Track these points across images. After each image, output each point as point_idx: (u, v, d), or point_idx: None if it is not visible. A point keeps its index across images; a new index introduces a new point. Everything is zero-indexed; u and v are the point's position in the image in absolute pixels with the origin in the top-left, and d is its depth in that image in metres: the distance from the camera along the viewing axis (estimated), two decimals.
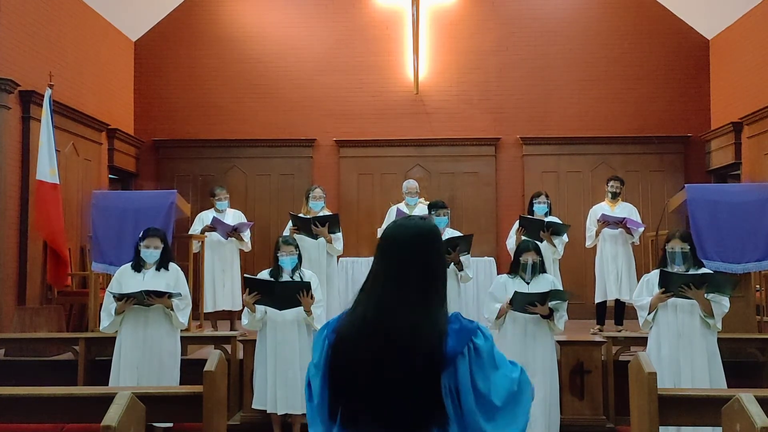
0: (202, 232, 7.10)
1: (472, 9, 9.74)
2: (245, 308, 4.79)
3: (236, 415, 5.43)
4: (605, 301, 7.21)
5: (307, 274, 4.96)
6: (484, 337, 1.76)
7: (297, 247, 4.99)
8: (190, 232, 7.16)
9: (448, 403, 1.69)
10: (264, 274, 4.93)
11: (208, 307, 7.14)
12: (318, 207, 6.69)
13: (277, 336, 4.84)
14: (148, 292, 4.58)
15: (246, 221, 7.31)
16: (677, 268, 4.53)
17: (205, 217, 7.26)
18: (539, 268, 4.81)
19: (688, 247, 4.53)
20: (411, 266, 1.78)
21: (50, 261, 7.06)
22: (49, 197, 6.86)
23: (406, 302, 1.74)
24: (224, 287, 7.15)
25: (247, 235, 7.21)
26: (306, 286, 4.69)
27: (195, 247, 7.02)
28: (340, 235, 6.44)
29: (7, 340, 6.19)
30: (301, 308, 4.75)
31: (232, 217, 7.36)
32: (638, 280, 6.83)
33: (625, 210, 7.20)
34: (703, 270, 4.54)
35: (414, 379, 1.67)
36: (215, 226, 7.01)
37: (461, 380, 1.71)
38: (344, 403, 1.73)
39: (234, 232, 7.05)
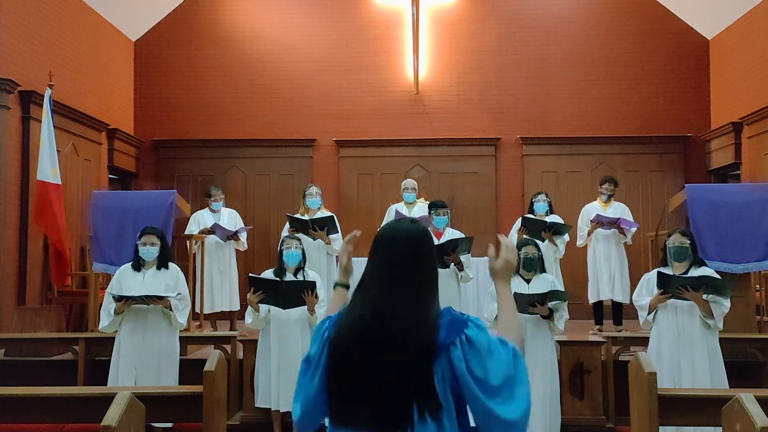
0: (201, 234, 7.10)
1: (472, 9, 9.74)
2: (249, 307, 4.79)
3: (236, 415, 5.43)
4: (601, 302, 7.21)
5: (311, 274, 4.98)
6: (477, 328, 1.84)
7: (301, 242, 5.01)
8: (186, 232, 7.16)
9: (440, 389, 1.79)
10: (268, 274, 4.94)
11: (207, 308, 7.13)
12: (315, 204, 6.68)
13: (281, 334, 4.85)
14: (147, 297, 4.58)
15: (244, 225, 7.35)
16: (677, 264, 4.55)
17: (200, 217, 7.26)
18: (539, 266, 4.81)
19: (688, 242, 4.55)
20: (403, 267, 1.88)
21: (53, 260, 7.08)
22: (52, 197, 6.89)
23: (399, 301, 1.83)
24: (222, 289, 7.16)
25: (243, 235, 7.25)
26: (311, 285, 4.70)
27: (193, 247, 7.05)
28: (339, 235, 6.43)
29: (7, 340, 6.19)
30: (305, 307, 4.76)
31: (228, 216, 7.37)
32: (631, 279, 6.89)
33: (618, 210, 7.20)
34: (703, 269, 4.54)
35: (408, 369, 1.77)
36: (215, 230, 7.02)
37: (457, 368, 1.79)
38: (340, 398, 1.83)
39: (234, 235, 7.07)
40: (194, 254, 6.89)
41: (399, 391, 1.77)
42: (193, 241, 6.97)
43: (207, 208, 7.35)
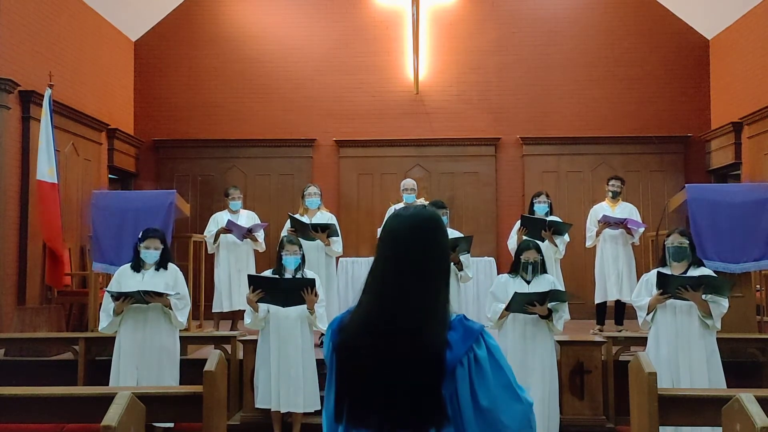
0: (218, 234, 7.10)
1: (472, 9, 9.74)
2: (248, 307, 4.81)
3: (236, 415, 5.43)
4: (605, 302, 7.20)
5: (310, 274, 4.98)
6: (487, 347, 1.68)
7: (301, 247, 5.02)
8: (205, 233, 7.20)
9: (449, 407, 1.66)
10: (267, 274, 4.96)
11: (225, 306, 7.14)
12: (314, 204, 6.67)
13: (281, 334, 4.86)
14: (146, 292, 4.58)
15: (260, 222, 7.34)
16: (675, 264, 4.55)
17: (220, 218, 7.25)
18: (540, 268, 4.81)
19: (687, 242, 4.56)
20: (411, 260, 1.69)
21: (48, 261, 7.07)
22: (48, 197, 6.86)
23: (407, 301, 1.66)
24: (240, 287, 7.14)
25: (261, 235, 7.23)
26: (310, 283, 4.71)
27: (210, 248, 7.13)
28: (339, 238, 6.44)
29: (7, 340, 6.19)
30: (305, 306, 4.77)
31: (246, 217, 7.37)
32: (638, 280, 6.88)
33: (625, 210, 7.20)
34: (702, 269, 4.55)
35: (413, 385, 1.64)
36: (230, 228, 7.02)
37: (461, 393, 1.65)
38: (348, 403, 1.71)
39: (249, 233, 7.07)
40: (197, 254, 6.92)
41: (405, 405, 1.64)
42: (199, 239, 7.01)
43: (226, 209, 7.34)
